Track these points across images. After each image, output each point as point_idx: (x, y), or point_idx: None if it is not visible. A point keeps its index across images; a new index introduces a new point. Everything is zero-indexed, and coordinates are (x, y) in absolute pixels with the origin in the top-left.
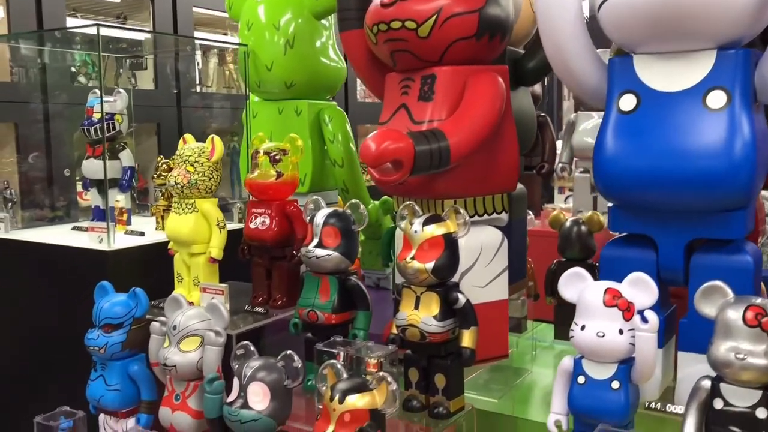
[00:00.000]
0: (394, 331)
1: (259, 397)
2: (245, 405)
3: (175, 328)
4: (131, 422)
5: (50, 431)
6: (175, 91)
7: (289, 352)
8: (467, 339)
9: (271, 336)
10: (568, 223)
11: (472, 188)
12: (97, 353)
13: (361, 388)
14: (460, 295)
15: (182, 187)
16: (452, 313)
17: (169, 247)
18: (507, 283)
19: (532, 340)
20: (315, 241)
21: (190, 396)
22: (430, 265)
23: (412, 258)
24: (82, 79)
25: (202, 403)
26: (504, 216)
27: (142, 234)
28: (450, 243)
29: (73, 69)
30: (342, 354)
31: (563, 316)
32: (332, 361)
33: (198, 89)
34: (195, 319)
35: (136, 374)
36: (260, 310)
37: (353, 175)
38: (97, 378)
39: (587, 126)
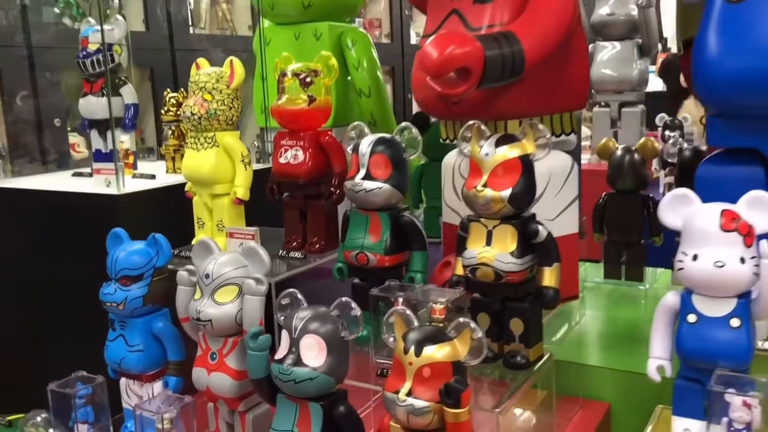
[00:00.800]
0: (458, 272)
1: (313, 352)
2: (298, 362)
3: (207, 277)
4: (158, 386)
5: (66, 399)
6: (167, 33)
7: (344, 299)
8: (549, 277)
9: (309, 284)
10: (619, 152)
11: (538, 106)
12: (115, 310)
13: (439, 337)
14: (540, 228)
15: (199, 118)
16: (530, 249)
17: (186, 189)
18: (577, 214)
19: (581, 281)
20: (362, 173)
21: (228, 354)
22: (505, 193)
23: (484, 185)
24: (66, 21)
25: (244, 361)
26: (573, 138)
27: (152, 177)
28: (527, 166)
29: (56, 10)
30: (400, 300)
31: (612, 253)
32: (399, 307)
33: (192, 31)
34: (230, 265)
35: (161, 332)
36: (297, 255)
37: (382, 106)
38: (116, 338)
39: (604, 57)
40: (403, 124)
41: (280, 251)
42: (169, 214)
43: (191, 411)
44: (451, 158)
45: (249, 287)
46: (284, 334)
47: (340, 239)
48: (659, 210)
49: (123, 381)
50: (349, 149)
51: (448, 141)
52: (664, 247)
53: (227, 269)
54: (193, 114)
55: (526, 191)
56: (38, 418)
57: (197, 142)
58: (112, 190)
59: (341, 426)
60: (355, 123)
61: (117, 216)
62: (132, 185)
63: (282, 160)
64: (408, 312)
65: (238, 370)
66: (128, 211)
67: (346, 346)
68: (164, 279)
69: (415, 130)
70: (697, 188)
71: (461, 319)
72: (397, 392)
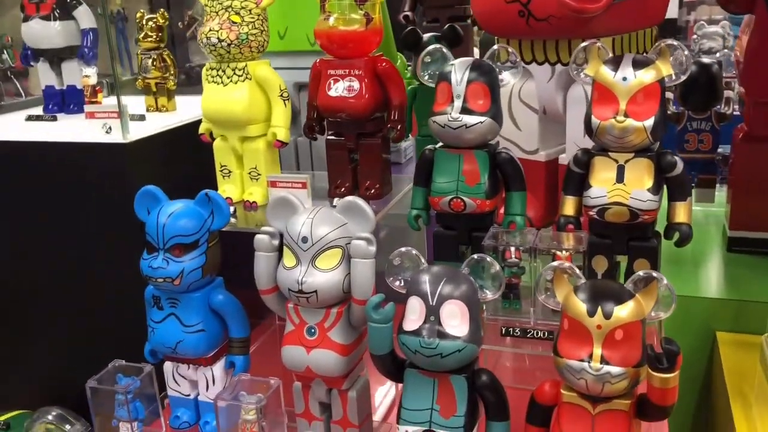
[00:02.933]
0: (568, 212)
1: (456, 320)
2: (442, 333)
3: (305, 240)
4: (218, 368)
5: (109, 397)
6: None
7: (480, 255)
8: (684, 213)
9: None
10: None
11: (628, 22)
12: (168, 286)
13: (622, 294)
14: (677, 159)
15: (229, 45)
16: (662, 184)
17: (201, 131)
18: None
19: None
20: (458, 105)
21: (332, 327)
22: (648, 122)
23: (625, 115)
24: None
25: (350, 334)
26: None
27: (141, 118)
28: (663, 92)
29: None
30: (513, 249)
31: None
32: (563, 263)
33: None
34: (329, 225)
35: (224, 306)
36: None
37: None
38: (165, 318)
39: None
40: (497, 46)
41: (327, 201)
42: (183, 163)
43: (280, 395)
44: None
45: (358, 249)
46: (412, 301)
47: (417, 183)
48: None
49: (168, 365)
50: (424, 76)
51: (524, 62)
52: None
53: (327, 230)
54: (221, 41)
55: (664, 120)
56: (49, 416)
57: (222, 74)
58: (115, 138)
59: (486, 397)
60: (434, 46)
61: (126, 170)
62: (119, 131)
63: (332, 93)
64: (574, 267)
65: (344, 344)
66: (139, 162)
67: (480, 308)
68: (217, 244)
69: (511, 50)
70: None
71: (643, 273)
72: (583, 360)
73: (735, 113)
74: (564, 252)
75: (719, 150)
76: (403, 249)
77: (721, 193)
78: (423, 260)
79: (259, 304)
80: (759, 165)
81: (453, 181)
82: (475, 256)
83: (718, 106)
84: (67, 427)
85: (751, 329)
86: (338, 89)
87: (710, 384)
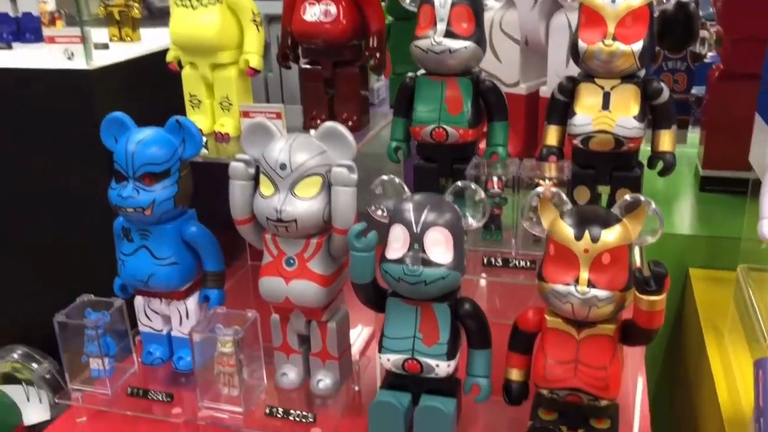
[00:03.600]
0: (551, 142)
1: (440, 247)
2: (426, 260)
3: (283, 167)
4: (192, 302)
5: (77, 331)
6: None
7: (464, 183)
8: (668, 141)
9: None
10: None
11: None
12: (138, 216)
13: (609, 218)
14: (663, 86)
15: None
16: (646, 112)
17: (169, 59)
18: None
19: None
20: (440, 29)
21: (312, 258)
22: (636, 46)
23: (613, 39)
24: None
25: (330, 264)
26: None
27: (105, 47)
28: (652, 16)
29: None
30: (495, 179)
31: None
32: (551, 188)
33: None
34: (308, 151)
35: (197, 238)
36: None
37: None
38: (136, 251)
39: None
40: None
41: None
42: (150, 93)
43: (257, 328)
44: (488, 14)
45: (339, 177)
46: (396, 229)
47: (397, 113)
48: None
49: (139, 300)
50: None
51: None
52: None
53: (306, 156)
54: None
55: (652, 45)
56: (15, 355)
57: None
58: (79, 64)
59: (468, 326)
60: None
61: (93, 98)
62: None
63: (308, 18)
64: (560, 193)
65: (324, 275)
66: (105, 91)
67: (464, 237)
68: (189, 174)
69: None
70: None
71: (630, 197)
72: (569, 284)
73: (710, 53)
74: (547, 182)
75: (693, 91)
76: (385, 177)
77: (693, 134)
78: (406, 188)
79: (230, 244)
80: (733, 103)
81: (435, 109)
82: (460, 183)
83: (694, 46)
84: (34, 365)
85: (723, 265)
86: (314, 13)
87: (682, 318)
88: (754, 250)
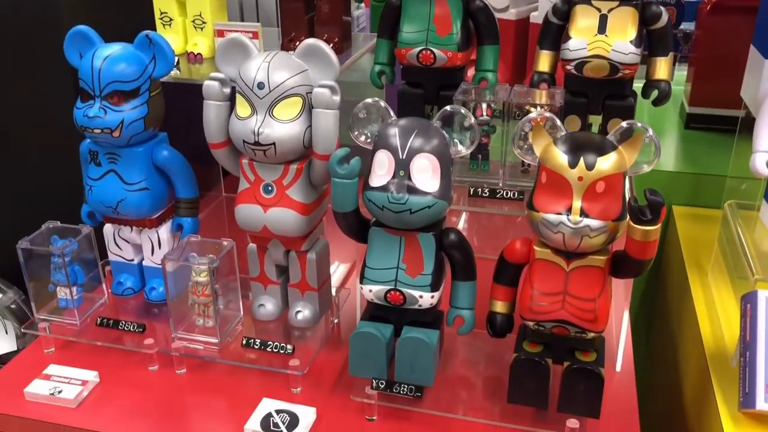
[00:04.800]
0: (543, 68)
1: (427, 174)
2: (412, 188)
3: (261, 86)
4: (164, 230)
5: (44, 259)
6: None
7: (454, 107)
8: (665, 69)
9: None
10: None
11: None
12: (106, 138)
13: (604, 145)
14: (663, 11)
15: None
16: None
17: None
18: None
19: None
20: None
21: (292, 184)
22: None
23: None
24: None
25: (310, 192)
26: None
27: None
28: None
29: None
30: (484, 105)
31: None
32: (540, 113)
33: None
34: (287, 70)
35: (169, 163)
36: None
37: None
38: (104, 176)
39: None
40: None
41: None
42: (117, 11)
43: (233, 257)
44: None
45: (321, 98)
46: (380, 155)
47: (382, 34)
48: None
49: (109, 228)
50: None
51: None
52: None
53: (286, 75)
54: None
55: None
56: None
57: None
58: None
59: (453, 256)
60: None
61: (58, 11)
62: None
63: None
64: (554, 118)
65: (304, 203)
66: (71, 5)
67: (451, 165)
68: (160, 94)
69: None
70: None
71: (626, 123)
72: (561, 213)
73: None
74: (538, 109)
75: (681, 26)
76: (369, 100)
77: (681, 72)
78: (391, 112)
79: (203, 174)
80: (724, 39)
81: (423, 30)
82: (448, 107)
83: None
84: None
85: (706, 203)
86: None
87: (664, 255)
88: (739, 188)
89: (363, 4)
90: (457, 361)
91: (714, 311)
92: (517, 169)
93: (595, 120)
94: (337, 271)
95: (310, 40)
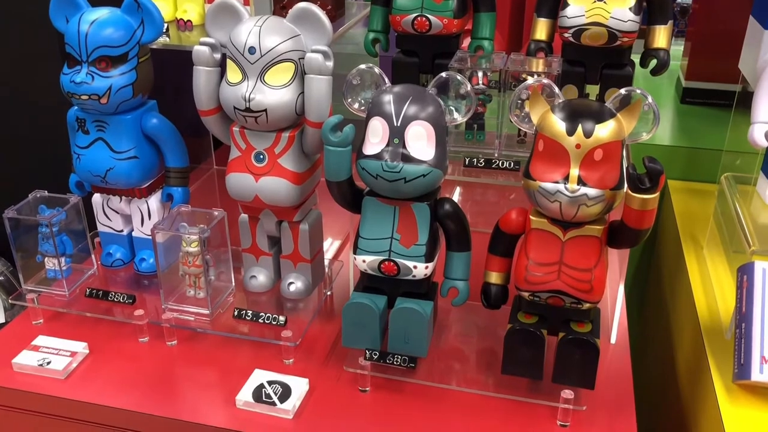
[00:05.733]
0: (540, 36)
1: (422, 142)
2: (407, 156)
3: (252, 51)
4: (154, 200)
5: (30, 228)
6: None
7: (449, 73)
8: (664, 38)
9: None
10: None
11: None
12: (94, 105)
13: (602, 113)
14: None
15: None
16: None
17: None
18: None
19: None
20: None
21: (284, 153)
22: None
23: None
24: None
25: (303, 160)
26: None
27: None
28: None
29: None
30: (480, 74)
31: None
32: (537, 80)
33: None
34: (278, 35)
35: (158, 131)
36: None
37: None
38: (92, 144)
39: None
40: None
41: None
42: None
43: (225, 227)
44: None
45: (314, 64)
46: (374, 122)
47: (377, 1)
48: None
49: (97, 198)
50: None
51: None
52: None
53: (278, 40)
54: None
55: None
56: None
57: None
58: None
59: (448, 227)
60: None
61: None
62: None
63: None
64: (552, 84)
65: (297, 172)
66: None
67: (446, 133)
68: (149, 60)
69: None
70: None
71: (625, 90)
72: (558, 182)
73: None
74: (534, 77)
75: (678, 0)
76: (363, 66)
77: (677, 46)
78: (386, 79)
79: (193, 145)
80: (722, 12)
81: None
82: (444, 74)
83: None
84: None
85: (701, 177)
86: None
87: (659, 229)
88: (735, 162)
89: None
90: (451, 333)
91: (709, 284)
92: (513, 140)
93: (593, 90)
94: (331, 242)
95: (303, 4)
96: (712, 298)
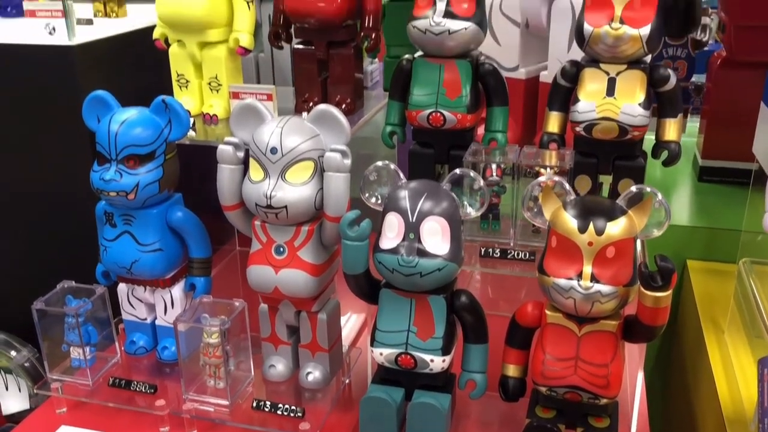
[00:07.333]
0: (552, 129)
1: (437, 238)
2: (422, 251)
3: (274, 151)
4: (177, 290)
5: (57, 319)
6: None
7: (463, 170)
8: (674, 131)
9: None
10: None
11: None
12: (122, 201)
13: (613, 210)
14: (671, 73)
15: None
16: (651, 99)
17: (156, 37)
18: None
19: None
20: (440, 8)
21: (303, 246)
22: (645, 30)
23: (621, 22)
24: None
25: (321, 253)
26: None
27: (89, 22)
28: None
29: None
30: (494, 166)
31: None
32: (549, 177)
33: None
34: (299, 135)
35: (183, 224)
36: None
37: None
38: (119, 236)
39: None
40: None
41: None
42: (136, 72)
43: (245, 318)
44: None
45: (332, 162)
46: (390, 218)
47: (393, 96)
48: None
49: (123, 287)
50: None
51: None
52: None
53: (298, 140)
54: None
55: (660, 29)
56: None
57: None
58: (61, 40)
59: (465, 319)
60: None
61: (75, 76)
62: (81, 33)
63: None
64: (563, 182)
65: (315, 264)
66: (88, 68)
67: (461, 226)
68: (174, 157)
69: None
70: None
71: (636, 188)
72: (572, 278)
73: (711, 41)
74: (547, 170)
75: (693, 79)
76: (379, 163)
77: (693, 124)
78: (401, 175)
79: (218, 229)
80: (736, 92)
81: (432, 93)
82: (458, 170)
83: (695, 33)
84: (13, 353)
85: (721, 257)
86: None
87: (679, 311)
88: (754, 242)
89: (376, 59)
90: (470, 422)
91: (731, 371)
92: (527, 229)
93: (606, 179)
94: (349, 329)
95: (322, 106)
96: (734, 385)
